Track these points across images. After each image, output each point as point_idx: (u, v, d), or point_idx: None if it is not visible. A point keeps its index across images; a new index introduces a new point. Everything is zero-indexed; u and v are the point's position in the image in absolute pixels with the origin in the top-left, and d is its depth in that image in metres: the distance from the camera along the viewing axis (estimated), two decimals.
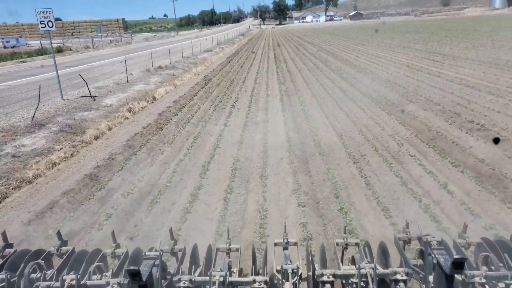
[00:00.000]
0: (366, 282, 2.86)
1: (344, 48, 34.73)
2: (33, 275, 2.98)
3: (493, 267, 2.90)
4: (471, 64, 19.06)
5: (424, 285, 2.90)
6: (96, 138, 10.16)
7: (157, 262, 2.82)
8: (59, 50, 40.21)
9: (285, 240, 3.32)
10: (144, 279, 2.50)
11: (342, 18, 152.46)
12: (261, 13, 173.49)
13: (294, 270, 2.87)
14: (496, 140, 7.75)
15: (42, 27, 13.59)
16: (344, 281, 3.03)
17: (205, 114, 12.88)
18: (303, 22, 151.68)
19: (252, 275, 3.30)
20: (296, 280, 2.82)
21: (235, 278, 3.08)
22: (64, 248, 3.48)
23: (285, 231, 3.46)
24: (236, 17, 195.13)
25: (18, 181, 7.29)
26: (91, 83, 17.10)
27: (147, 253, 3.05)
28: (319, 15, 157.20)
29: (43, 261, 3.21)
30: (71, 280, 2.85)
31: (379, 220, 5.58)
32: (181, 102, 14.22)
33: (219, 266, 3.12)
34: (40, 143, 9.43)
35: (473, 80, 14.88)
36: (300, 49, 37.66)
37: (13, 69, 27.41)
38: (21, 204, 6.44)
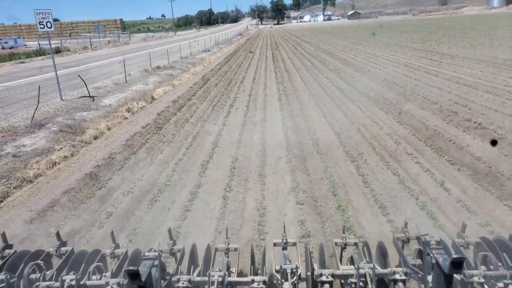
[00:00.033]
0: (365, 282, 2.87)
1: (342, 48, 34.73)
2: (33, 276, 2.98)
3: (492, 267, 2.91)
4: (468, 63, 19.10)
5: (423, 285, 2.91)
6: (95, 138, 10.17)
7: (156, 262, 2.83)
8: (57, 51, 40.03)
9: (284, 240, 3.33)
10: (143, 279, 2.51)
11: (340, 17, 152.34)
12: (259, 13, 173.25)
13: (293, 270, 2.87)
14: (494, 142, 7.77)
15: (41, 28, 13.57)
16: (343, 281, 3.04)
17: (204, 113, 12.88)
18: (301, 21, 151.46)
19: (251, 275, 3.31)
20: (295, 280, 2.83)
21: (234, 278, 3.10)
22: (63, 249, 3.50)
23: (284, 231, 3.46)
24: (234, 17, 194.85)
25: (19, 180, 7.31)
26: (90, 83, 17.07)
27: (146, 254, 3.06)
28: (317, 15, 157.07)
29: (42, 262, 3.21)
30: (71, 280, 2.87)
31: (377, 218, 5.61)
32: (179, 102, 14.21)
33: (218, 266, 3.13)
34: (40, 143, 9.44)
35: (470, 79, 14.92)
36: (298, 49, 37.62)
37: (12, 70, 27.33)
38: (23, 203, 6.46)
